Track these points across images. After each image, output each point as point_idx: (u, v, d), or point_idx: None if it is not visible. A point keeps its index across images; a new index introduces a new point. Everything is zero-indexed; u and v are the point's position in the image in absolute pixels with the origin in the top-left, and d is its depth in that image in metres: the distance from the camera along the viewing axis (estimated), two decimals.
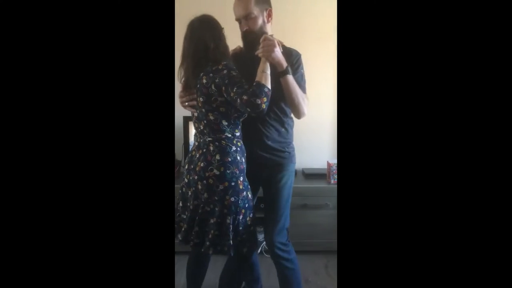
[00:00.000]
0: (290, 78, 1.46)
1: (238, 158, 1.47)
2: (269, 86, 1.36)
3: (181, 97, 1.59)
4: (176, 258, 2.28)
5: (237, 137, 1.50)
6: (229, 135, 1.47)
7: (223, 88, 1.38)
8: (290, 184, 1.68)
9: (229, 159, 1.45)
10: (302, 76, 1.60)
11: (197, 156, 1.52)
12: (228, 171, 1.44)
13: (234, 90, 1.34)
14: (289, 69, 1.45)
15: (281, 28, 1.80)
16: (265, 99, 1.32)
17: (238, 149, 1.49)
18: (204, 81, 1.44)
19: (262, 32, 1.54)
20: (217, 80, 1.40)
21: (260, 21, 1.55)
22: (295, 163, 1.71)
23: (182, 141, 2.55)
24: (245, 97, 1.32)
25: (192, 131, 2.51)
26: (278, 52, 1.42)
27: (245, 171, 1.52)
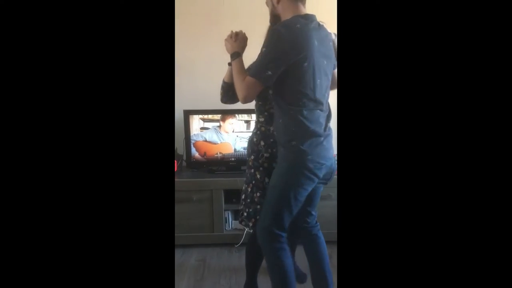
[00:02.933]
0: (230, 67, 1.55)
1: (255, 140, 1.67)
2: (226, 79, 1.63)
3: None
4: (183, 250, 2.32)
5: (261, 122, 1.67)
6: (256, 120, 1.71)
7: None
8: (279, 181, 1.52)
9: (249, 139, 1.73)
10: (258, 57, 1.44)
11: None
12: (248, 148, 1.74)
13: None
14: (232, 58, 1.52)
15: None
16: (221, 91, 1.67)
17: (258, 132, 1.67)
18: None
19: (273, 14, 1.53)
20: None
21: (270, 1, 1.51)
22: (287, 161, 1.49)
23: (183, 135, 2.55)
24: None
25: (193, 124, 2.51)
26: (227, 45, 1.55)
27: (261, 153, 1.65)
